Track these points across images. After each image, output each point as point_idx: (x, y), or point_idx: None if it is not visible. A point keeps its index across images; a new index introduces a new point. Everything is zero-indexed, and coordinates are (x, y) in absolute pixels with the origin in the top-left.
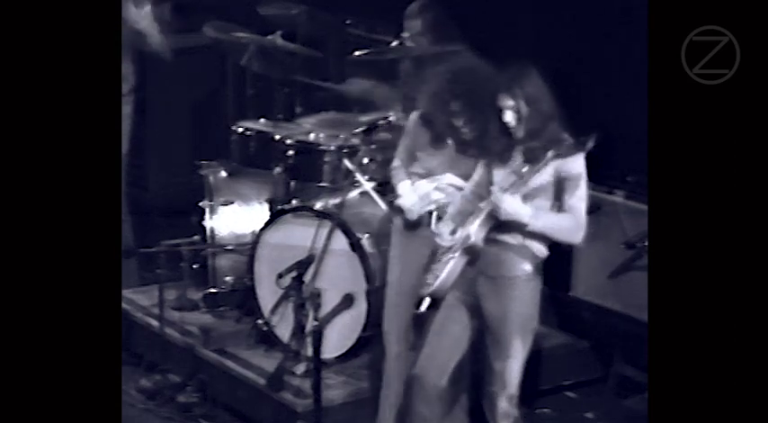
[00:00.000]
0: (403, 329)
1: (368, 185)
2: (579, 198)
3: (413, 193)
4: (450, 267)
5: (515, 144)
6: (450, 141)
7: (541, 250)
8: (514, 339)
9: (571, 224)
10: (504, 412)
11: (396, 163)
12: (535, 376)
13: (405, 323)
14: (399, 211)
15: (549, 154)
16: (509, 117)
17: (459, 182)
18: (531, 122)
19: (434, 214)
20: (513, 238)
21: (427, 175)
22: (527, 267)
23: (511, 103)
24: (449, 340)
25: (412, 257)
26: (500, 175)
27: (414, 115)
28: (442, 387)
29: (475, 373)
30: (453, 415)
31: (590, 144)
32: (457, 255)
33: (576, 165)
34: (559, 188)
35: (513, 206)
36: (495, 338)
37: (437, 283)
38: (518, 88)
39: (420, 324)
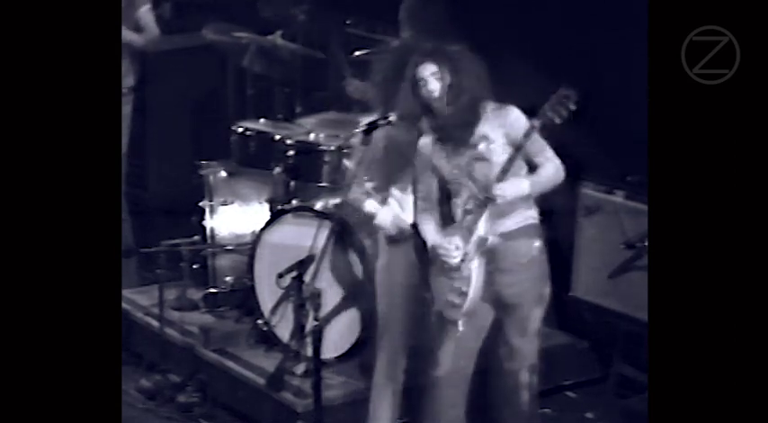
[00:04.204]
0: (398, 336)
1: (368, 185)
2: (542, 148)
3: (385, 210)
4: (475, 278)
5: (439, 120)
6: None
7: (535, 213)
8: (534, 313)
9: (553, 171)
10: (525, 383)
11: (353, 193)
12: None
13: (401, 331)
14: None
15: (536, 123)
16: (433, 85)
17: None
18: (458, 95)
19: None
20: (514, 223)
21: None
22: (537, 243)
23: (434, 68)
24: (471, 334)
25: (402, 267)
26: (481, 168)
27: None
28: (468, 381)
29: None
30: None
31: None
32: (476, 262)
33: (520, 123)
34: (519, 150)
35: (513, 189)
36: (516, 318)
37: (468, 301)
38: (442, 55)
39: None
